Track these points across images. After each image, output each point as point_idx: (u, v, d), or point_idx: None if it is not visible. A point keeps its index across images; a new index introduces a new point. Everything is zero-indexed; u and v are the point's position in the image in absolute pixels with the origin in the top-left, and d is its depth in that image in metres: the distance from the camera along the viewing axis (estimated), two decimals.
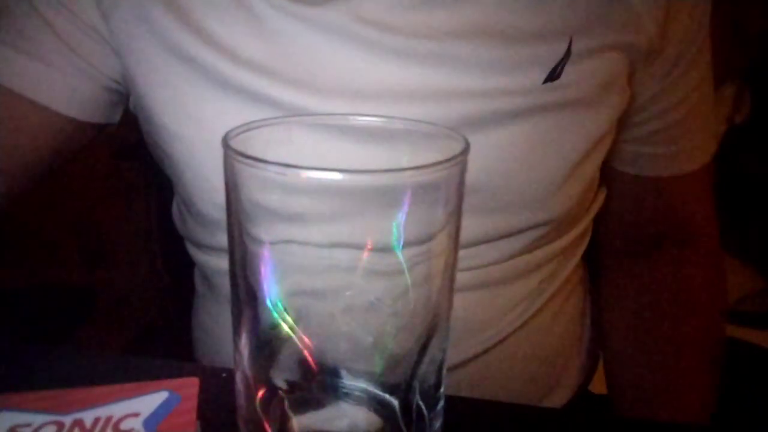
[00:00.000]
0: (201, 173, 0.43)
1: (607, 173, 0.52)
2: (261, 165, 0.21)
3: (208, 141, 0.42)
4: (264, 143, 0.25)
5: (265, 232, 0.24)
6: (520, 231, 0.44)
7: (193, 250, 0.52)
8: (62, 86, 0.44)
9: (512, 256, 0.45)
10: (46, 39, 0.44)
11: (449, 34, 0.40)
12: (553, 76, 0.40)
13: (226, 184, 0.23)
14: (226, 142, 0.22)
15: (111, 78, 0.46)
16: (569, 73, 0.40)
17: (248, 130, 0.24)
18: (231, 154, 0.22)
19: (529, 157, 0.42)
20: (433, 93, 0.40)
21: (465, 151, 0.23)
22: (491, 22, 0.40)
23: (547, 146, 0.42)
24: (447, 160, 0.22)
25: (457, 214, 0.24)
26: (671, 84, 0.46)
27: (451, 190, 0.23)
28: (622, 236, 0.55)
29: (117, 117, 0.50)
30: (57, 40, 0.44)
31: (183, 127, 0.43)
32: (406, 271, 0.24)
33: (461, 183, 0.24)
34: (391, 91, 0.40)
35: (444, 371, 0.27)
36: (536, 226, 0.44)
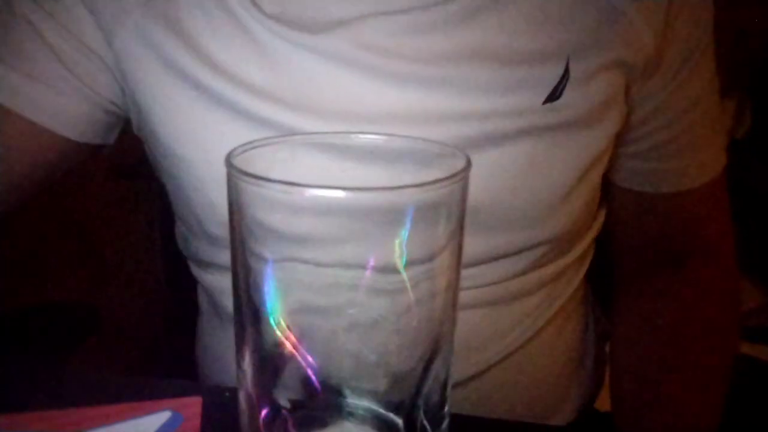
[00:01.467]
0: (205, 194, 0.43)
1: (616, 193, 0.52)
2: (264, 183, 0.21)
3: (212, 163, 0.42)
4: (267, 162, 0.25)
5: (268, 250, 0.24)
6: (521, 250, 0.44)
7: (197, 270, 0.52)
8: (59, 107, 0.45)
9: (514, 276, 0.45)
10: (45, 59, 0.44)
11: (448, 58, 0.40)
12: (553, 97, 0.41)
13: (230, 202, 0.23)
14: (229, 161, 0.22)
15: (108, 100, 0.46)
16: (568, 93, 0.41)
17: (251, 149, 0.25)
18: (234, 173, 0.22)
19: (529, 176, 0.42)
20: (433, 115, 0.41)
21: (467, 167, 0.23)
22: (489, 45, 0.40)
23: (546, 166, 0.42)
24: (449, 177, 0.22)
25: (459, 231, 0.24)
26: (674, 93, 0.46)
27: (453, 207, 0.23)
28: (637, 256, 0.55)
29: (113, 138, 0.50)
30: (55, 60, 0.44)
31: (187, 149, 0.43)
32: (409, 288, 0.24)
33: (464, 200, 0.24)
34: (391, 115, 0.40)
35: (448, 389, 0.26)
36: (537, 245, 0.44)
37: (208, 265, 0.49)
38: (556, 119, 0.41)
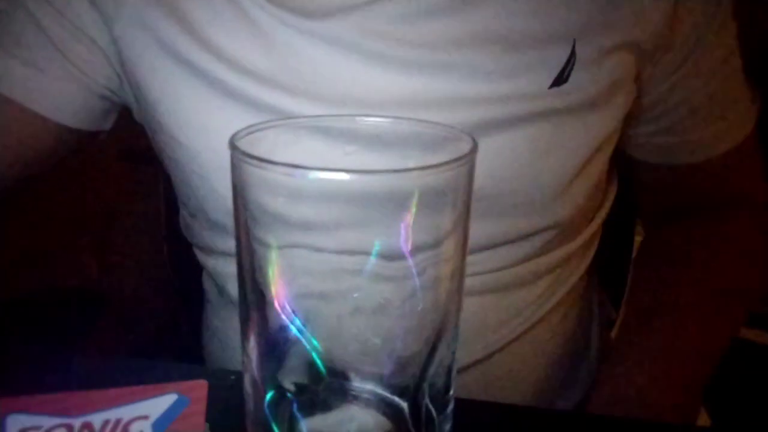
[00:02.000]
0: (208, 182, 0.43)
1: (642, 169, 0.51)
2: (268, 166, 0.21)
3: (215, 150, 0.42)
4: (271, 145, 0.25)
5: (272, 235, 0.24)
6: (527, 235, 0.43)
7: (202, 256, 0.52)
8: (55, 93, 0.45)
9: (520, 262, 0.44)
10: (41, 46, 0.44)
11: (453, 42, 0.40)
12: (560, 81, 0.40)
13: (233, 186, 0.23)
14: (233, 144, 0.22)
15: (104, 86, 0.46)
16: (575, 76, 0.40)
17: (255, 131, 0.24)
18: (238, 156, 0.22)
19: (535, 160, 0.41)
20: (438, 101, 0.40)
21: (473, 150, 0.23)
22: (494, 29, 0.40)
23: (553, 149, 0.41)
24: (455, 160, 0.22)
25: (465, 216, 0.24)
26: (690, 71, 0.45)
27: (459, 190, 0.23)
28: (666, 214, 0.54)
29: (109, 124, 0.50)
30: (51, 47, 0.44)
31: (189, 136, 0.43)
32: (414, 273, 0.24)
33: (470, 183, 0.23)
34: (395, 101, 0.40)
35: (453, 373, 0.26)
36: (543, 230, 0.43)
37: (212, 252, 0.49)
38: (563, 103, 0.40)
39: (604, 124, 0.43)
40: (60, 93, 0.45)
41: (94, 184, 1.21)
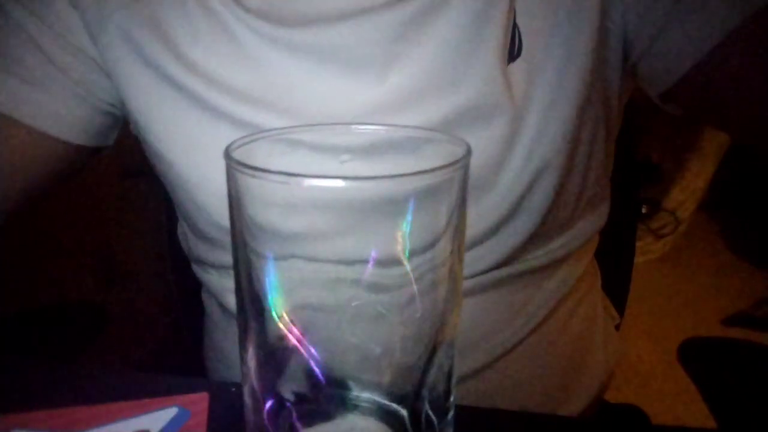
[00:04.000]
0: (192, 196, 0.44)
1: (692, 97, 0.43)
2: (263, 175, 0.21)
3: (197, 164, 0.42)
4: (265, 156, 0.25)
5: (268, 246, 0.24)
6: (512, 217, 0.43)
7: (197, 270, 0.52)
8: (57, 110, 0.45)
9: (513, 256, 0.44)
10: (38, 63, 0.44)
11: (422, 46, 0.40)
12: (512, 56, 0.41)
13: (229, 196, 0.23)
14: (227, 154, 0.22)
15: (105, 101, 0.47)
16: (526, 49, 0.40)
17: (249, 142, 0.25)
18: (233, 165, 0.22)
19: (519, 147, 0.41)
20: (419, 99, 0.40)
21: (467, 154, 0.23)
22: (456, 36, 0.40)
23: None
24: (450, 164, 0.22)
25: (461, 218, 0.24)
26: None
27: (454, 194, 0.23)
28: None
29: (111, 140, 0.50)
30: (49, 63, 0.44)
31: (171, 151, 0.44)
32: (412, 279, 0.24)
33: (465, 187, 0.24)
34: (375, 109, 0.40)
35: (453, 379, 0.26)
36: (529, 212, 0.43)
37: (207, 265, 0.49)
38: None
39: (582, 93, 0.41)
40: (62, 110, 0.45)
41: (95, 199, 1.21)
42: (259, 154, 0.24)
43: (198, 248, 0.49)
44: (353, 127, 0.28)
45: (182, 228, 0.52)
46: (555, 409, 0.49)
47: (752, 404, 0.55)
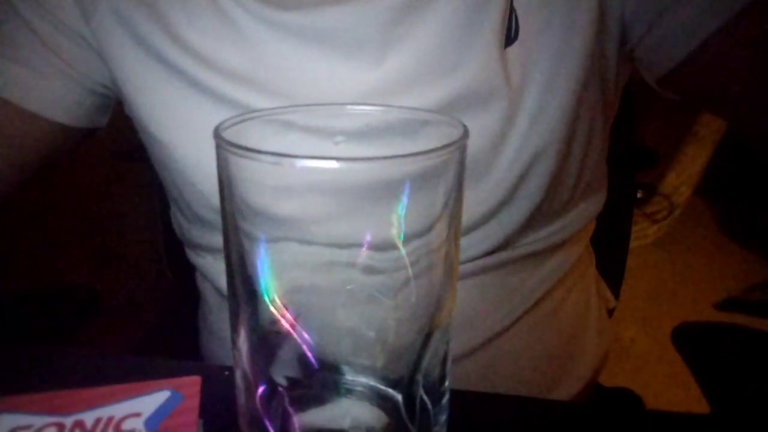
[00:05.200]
0: (187, 178, 0.43)
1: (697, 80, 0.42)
2: (254, 155, 0.20)
3: (191, 146, 0.42)
4: (257, 136, 0.24)
5: (260, 229, 0.23)
6: (509, 201, 0.42)
7: (191, 254, 0.52)
8: (50, 92, 0.44)
9: (509, 242, 0.44)
10: (31, 45, 0.44)
11: (419, 28, 0.39)
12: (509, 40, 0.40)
13: (219, 178, 0.22)
14: (217, 134, 0.22)
15: (97, 82, 0.46)
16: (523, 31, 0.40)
17: (240, 122, 0.24)
18: (223, 146, 0.21)
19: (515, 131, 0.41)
20: (415, 83, 0.40)
21: (464, 136, 0.22)
22: (455, 21, 0.39)
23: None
24: (447, 146, 0.21)
25: (457, 202, 0.24)
26: None
27: (451, 176, 0.23)
28: None
29: (104, 121, 0.50)
30: (41, 45, 0.44)
31: (165, 132, 0.43)
32: (407, 263, 0.24)
33: (461, 169, 0.23)
34: (371, 93, 0.40)
35: (448, 364, 0.26)
36: (527, 196, 0.43)
37: (201, 248, 0.49)
38: None
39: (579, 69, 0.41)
40: (55, 91, 0.45)
41: (88, 182, 1.20)
42: (251, 135, 0.24)
43: (191, 232, 0.48)
44: (348, 107, 0.27)
45: (174, 212, 0.52)
46: (550, 391, 0.50)
47: (746, 388, 0.55)
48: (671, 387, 1.19)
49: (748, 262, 1.82)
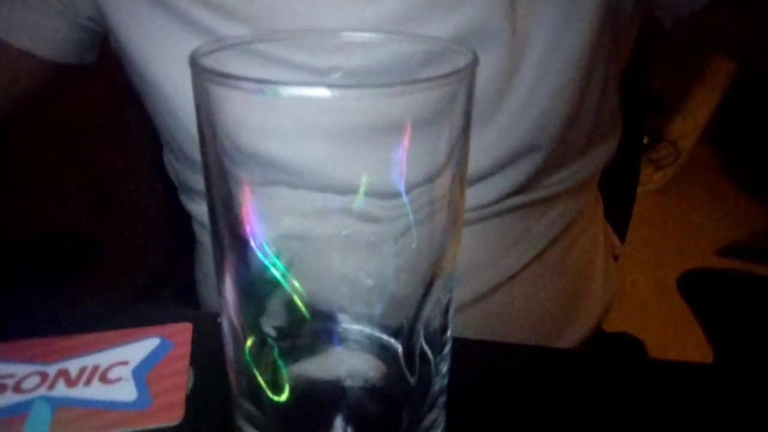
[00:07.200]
0: (176, 117, 0.42)
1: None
2: (235, 83, 0.18)
3: (179, 84, 0.40)
4: (241, 67, 0.22)
5: (245, 171, 0.21)
6: (518, 156, 0.40)
7: (186, 201, 0.51)
8: (36, 26, 0.43)
9: (519, 189, 0.42)
10: None
11: None
12: None
13: (197, 111, 0.20)
14: (193, 60, 0.19)
15: (86, 16, 0.44)
16: None
17: (221, 48, 0.21)
18: (200, 73, 0.19)
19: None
20: (417, 19, 0.37)
21: (473, 63, 0.20)
22: None
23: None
24: (453, 73, 0.19)
25: (464, 143, 0.22)
26: None
27: (458, 111, 0.20)
28: None
29: (92, 57, 0.49)
30: None
31: (153, 68, 0.41)
32: (409, 210, 0.22)
33: (470, 102, 0.21)
34: (371, 29, 0.37)
35: (450, 313, 0.24)
36: (538, 144, 0.40)
37: (195, 193, 0.48)
38: None
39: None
40: (41, 26, 0.43)
41: (86, 125, 1.17)
42: (233, 65, 0.21)
43: (186, 175, 0.47)
44: (345, 34, 0.25)
45: (168, 156, 0.50)
46: (554, 338, 0.49)
47: (750, 335, 0.55)
48: (671, 331, 1.20)
49: (753, 209, 1.80)
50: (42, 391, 0.27)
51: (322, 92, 0.17)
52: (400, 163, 0.21)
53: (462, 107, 0.20)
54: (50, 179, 1.19)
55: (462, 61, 0.20)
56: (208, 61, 0.20)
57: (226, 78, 0.18)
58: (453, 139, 0.21)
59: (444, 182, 0.22)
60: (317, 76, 0.33)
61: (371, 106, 0.19)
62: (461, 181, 0.22)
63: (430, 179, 0.22)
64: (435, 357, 0.24)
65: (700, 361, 0.42)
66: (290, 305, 0.23)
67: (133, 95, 0.48)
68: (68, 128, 1.11)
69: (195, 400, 0.28)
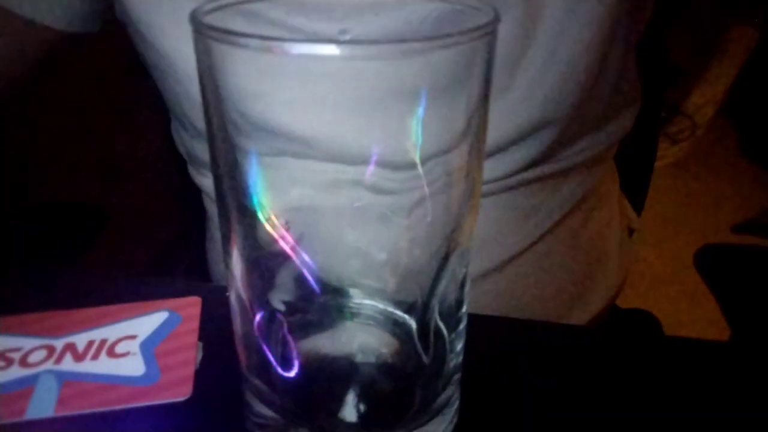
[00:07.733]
0: (185, 88, 0.40)
1: None
2: (241, 40, 0.16)
3: (188, 55, 0.38)
4: (246, 27, 0.20)
5: (251, 140, 0.20)
6: (533, 129, 0.39)
7: (195, 174, 0.50)
8: None
9: (535, 162, 0.41)
10: None
11: None
12: None
13: (199, 75, 0.19)
14: (194, 18, 0.18)
15: None
16: None
17: (224, 6, 0.20)
18: (201, 31, 0.17)
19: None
20: None
21: (495, 21, 0.18)
22: None
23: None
24: (472, 30, 0.17)
25: (483, 109, 0.20)
26: None
27: (476, 76, 0.19)
28: None
29: (97, 27, 0.47)
30: None
31: (163, 39, 0.40)
32: (423, 182, 0.21)
33: (490, 67, 0.19)
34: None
35: (466, 289, 0.23)
36: (548, 122, 0.39)
37: (203, 166, 0.47)
38: None
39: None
40: None
41: (97, 96, 1.16)
42: (238, 25, 0.20)
43: (194, 148, 0.46)
44: None
45: (177, 128, 0.49)
46: (566, 315, 0.48)
47: (766, 310, 0.53)
48: (685, 307, 1.19)
49: (760, 186, 1.77)
50: (48, 365, 0.27)
51: (331, 50, 0.16)
52: (415, 132, 0.19)
53: (481, 72, 0.19)
54: (62, 152, 1.19)
55: (482, 19, 0.19)
56: (210, 20, 0.19)
57: (229, 35, 0.17)
58: (471, 108, 0.20)
59: (461, 153, 0.20)
60: (333, 19, 0.31)
61: (384, 68, 0.18)
62: (479, 152, 0.21)
63: (446, 150, 0.20)
64: (450, 334, 0.24)
65: (713, 339, 0.41)
66: (300, 279, 0.22)
67: (144, 68, 0.47)
68: (80, 101, 1.10)
69: (204, 376, 0.27)
